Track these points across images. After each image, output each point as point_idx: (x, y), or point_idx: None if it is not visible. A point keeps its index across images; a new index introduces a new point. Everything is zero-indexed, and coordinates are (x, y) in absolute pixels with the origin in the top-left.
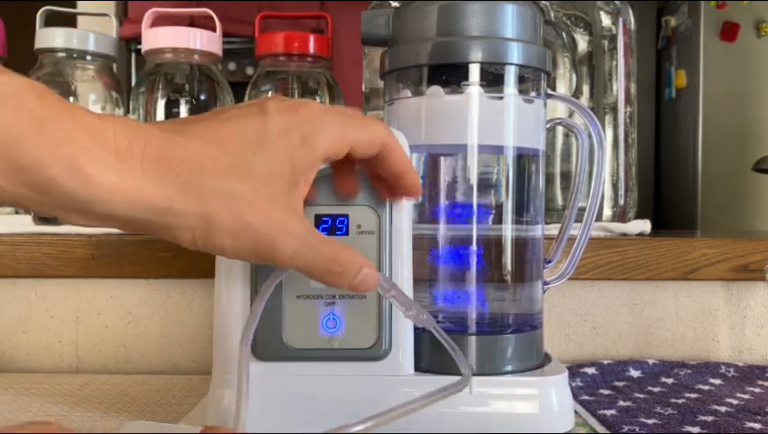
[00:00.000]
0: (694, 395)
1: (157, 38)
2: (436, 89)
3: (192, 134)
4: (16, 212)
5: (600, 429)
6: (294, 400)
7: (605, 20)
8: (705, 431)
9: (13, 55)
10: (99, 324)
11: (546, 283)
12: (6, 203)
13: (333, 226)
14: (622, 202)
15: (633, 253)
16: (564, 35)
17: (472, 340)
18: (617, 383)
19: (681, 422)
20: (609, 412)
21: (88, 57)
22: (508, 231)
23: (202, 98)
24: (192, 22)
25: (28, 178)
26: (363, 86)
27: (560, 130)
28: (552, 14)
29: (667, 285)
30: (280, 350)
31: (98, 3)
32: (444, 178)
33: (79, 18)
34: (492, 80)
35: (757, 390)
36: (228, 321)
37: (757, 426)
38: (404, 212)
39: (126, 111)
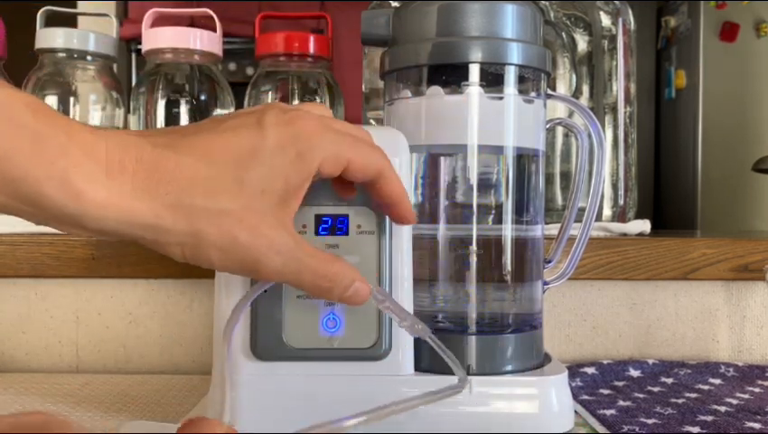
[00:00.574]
0: (694, 395)
1: (157, 38)
2: (436, 89)
3: (184, 149)
4: None
5: (600, 428)
6: (293, 400)
7: (605, 20)
8: (705, 431)
9: (13, 55)
10: (99, 324)
11: (546, 283)
12: None
13: (333, 226)
14: (621, 202)
15: (633, 253)
16: (564, 35)
17: (472, 340)
18: (617, 383)
19: (681, 422)
20: (609, 412)
21: (89, 57)
22: (508, 231)
23: (202, 98)
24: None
25: (19, 191)
26: (363, 86)
27: (560, 130)
28: (552, 14)
29: (667, 285)
30: (280, 350)
31: (99, 3)
32: (444, 178)
33: (80, 18)
34: (492, 80)
35: (757, 389)
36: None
37: (757, 426)
38: None
39: (127, 111)
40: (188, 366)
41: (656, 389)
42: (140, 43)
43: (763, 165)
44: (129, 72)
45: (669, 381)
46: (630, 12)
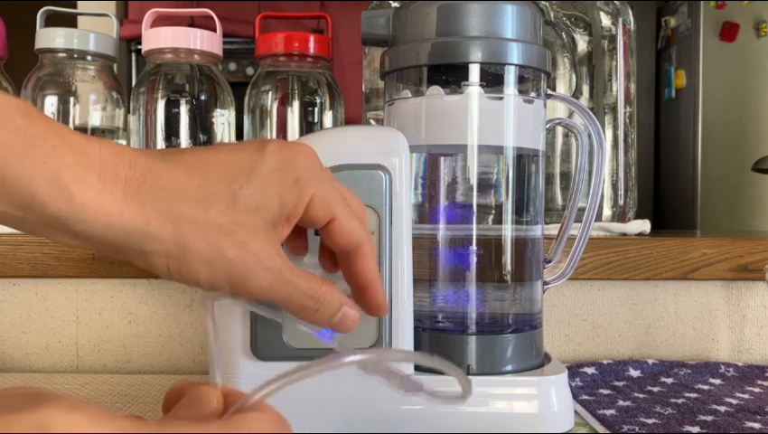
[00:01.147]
0: (694, 395)
1: (158, 38)
2: (436, 89)
3: (179, 162)
4: None
5: (600, 428)
6: (293, 400)
7: (605, 20)
8: (704, 431)
9: (13, 55)
10: (100, 323)
11: (545, 283)
12: None
13: None
14: (621, 202)
15: (633, 253)
16: (564, 35)
17: (472, 340)
18: (617, 383)
19: (681, 422)
20: (609, 412)
21: (89, 57)
22: (508, 231)
23: (202, 98)
24: (193, 22)
25: (11, 194)
26: (363, 86)
27: (560, 130)
28: (552, 14)
29: (666, 285)
30: (280, 350)
31: (99, 3)
32: (444, 178)
33: (80, 18)
34: (492, 80)
35: (757, 389)
36: (227, 321)
37: (757, 425)
38: (404, 211)
39: (127, 111)
40: (188, 366)
41: (656, 389)
42: (140, 43)
43: (762, 165)
44: (129, 72)
45: (669, 381)
46: (630, 12)
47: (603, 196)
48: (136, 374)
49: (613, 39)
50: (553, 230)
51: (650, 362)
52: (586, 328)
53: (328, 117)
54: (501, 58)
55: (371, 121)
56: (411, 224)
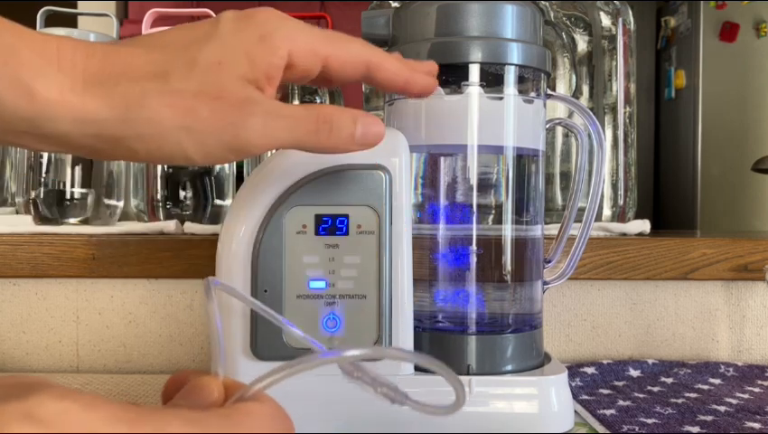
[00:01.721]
0: (693, 395)
1: None
2: (436, 89)
3: (135, 44)
4: (17, 212)
5: (600, 428)
6: (293, 400)
7: (605, 20)
8: (704, 431)
9: None
10: (100, 323)
11: (545, 283)
12: None
13: (333, 226)
14: (621, 202)
15: (633, 253)
16: (564, 35)
17: (472, 340)
18: (617, 383)
19: (681, 422)
20: (609, 412)
21: None
22: (508, 231)
23: None
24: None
25: None
26: (363, 86)
27: (560, 130)
28: (552, 14)
29: (666, 285)
30: (280, 350)
31: (99, 3)
32: (444, 178)
33: (80, 18)
34: (492, 80)
35: (757, 389)
36: (227, 321)
37: (757, 425)
38: (404, 211)
39: None
40: (188, 366)
41: (656, 389)
42: None
43: (762, 165)
44: None
45: (669, 380)
46: (630, 12)
47: (603, 196)
48: (136, 374)
49: (613, 39)
50: (553, 230)
51: (650, 362)
52: (586, 328)
53: None
54: (501, 58)
55: None
56: (411, 224)
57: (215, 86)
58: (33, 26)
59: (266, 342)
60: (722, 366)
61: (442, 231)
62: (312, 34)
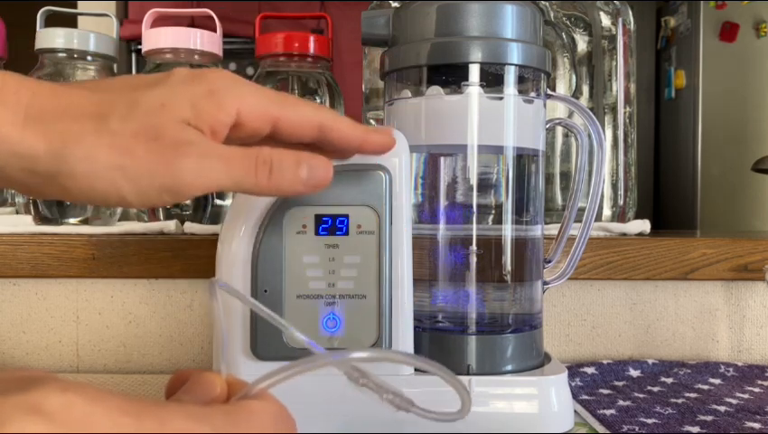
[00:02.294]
0: (693, 395)
1: (158, 38)
2: (436, 89)
3: (81, 86)
4: (17, 212)
5: (600, 428)
6: (293, 400)
7: (605, 20)
8: (704, 431)
9: (13, 55)
10: (100, 323)
11: (545, 283)
12: None
13: (333, 226)
14: (621, 202)
15: (633, 253)
16: (564, 35)
17: (472, 340)
18: (617, 383)
19: (681, 422)
20: (609, 412)
21: (89, 57)
22: (507, 231)
23: None
24: (193, 22)
25: None
26: (363, 86)
27: (560, 130)
28: (552, 15)
29: (666, 285)
30: (280, 350)
31: (99, 3)
32: (444, 178)
33: (80, 18)
34: (492, 80)
35: (756, 389)
36: (228, 321)
37: (757, 425)
38: (404, 211)
39: None
40: (188, 366)
41: (656, 389)
42: (140, 43)
43: (762, 165)
44: (129, 72)
45: (669, 380)
46: (630, 12)
47: (603, 196)
48: (136, 374)
49: (613, 39)
50: (553, 230)
51: (650, 362)
52: (586, 328)
53: None
54: (501, 58)
55: (371, 121)
56: (411, 224)
57: (154, 127)
58: (33, 26)
59: (266, 342)
60: (722, 366)
61: (442, 231)
62: (263, 96)
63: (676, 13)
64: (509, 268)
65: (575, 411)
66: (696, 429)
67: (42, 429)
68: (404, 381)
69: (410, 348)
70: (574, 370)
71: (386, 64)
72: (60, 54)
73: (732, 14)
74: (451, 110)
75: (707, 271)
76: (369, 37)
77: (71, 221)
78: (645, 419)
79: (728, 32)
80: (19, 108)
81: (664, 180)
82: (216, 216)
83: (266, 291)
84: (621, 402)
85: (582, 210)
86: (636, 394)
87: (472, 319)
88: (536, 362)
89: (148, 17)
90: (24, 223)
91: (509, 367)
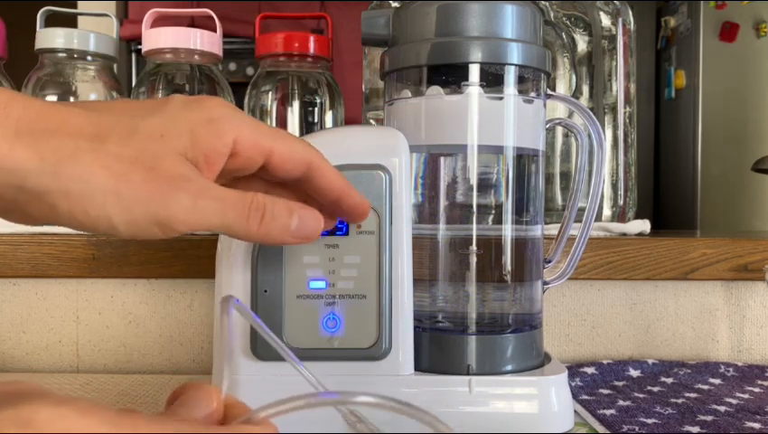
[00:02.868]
0: (693, 395)
1: (158, 38)
2: (436, 89)
3: (76, 105)
4: None
5: (600, 428)
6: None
7: (605, 20)
8: (704, 431)
9: (13, 55)
10: (100, 323)
11: (545, 283)
12: None
13: (333, 226)
14: (621, 202)
15: (633, 253)
16: (564, 35)
17: (472, 340)
18: (617, 383)
19: (681, 422)
20: (609, 412)
21: (89, 57)
22: (507, 231)
23: None
24: (193, 22)
25: None
26: (363, 86)
27: (560, 130)
28: (552, 15)
29: (666, 285)
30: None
31: (99, 3)
32: (444, 178)
33: (80, 18)
34: (492, 80)
35: (756, 389)
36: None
37: (757, 425)
38: (404, 211)
39: None
40: (188, 366)
41: (656, 389)
42: (140, 43)
43: (762, 165)
44: (129, 72)
45: (669, 380)
46: (630, 12)
47: (603, 196)
48: (136, 374)
49: (612, 39)
50: (553, 230)
51: (650, 362)
52: (586, 328)
53: (328, 118)
54: (501, 58)
55: (371, 121)
56: (411, 224)
57: (152, 156)
58: (33, 26)
59: (265, 342)
60: (722, 366)
61: (442, 231)
62: (258, 128)
63: (676, 13)
64: (509, 268)
65: (575, 411)
66: (696, 429)
67: None
68: (404, 381)
69: (410, 347)
70: (574, 370)
71: (386, 64)
72: (60, 54)
73: (732, 14)
74: (451, 110)
75: (707, 271)
76: (369, 37)
77: None
78: (645, 419)
79: (728, 32)
80: (9, 123)
81: (664, 180)
82: None
83: (266, 291)
84: (621, 402)
85: (582, 210)
86: (636, 394)
87: (472, 319)
88: (536, 362)
89: (148, 17)
90: None
91: (509, 367)
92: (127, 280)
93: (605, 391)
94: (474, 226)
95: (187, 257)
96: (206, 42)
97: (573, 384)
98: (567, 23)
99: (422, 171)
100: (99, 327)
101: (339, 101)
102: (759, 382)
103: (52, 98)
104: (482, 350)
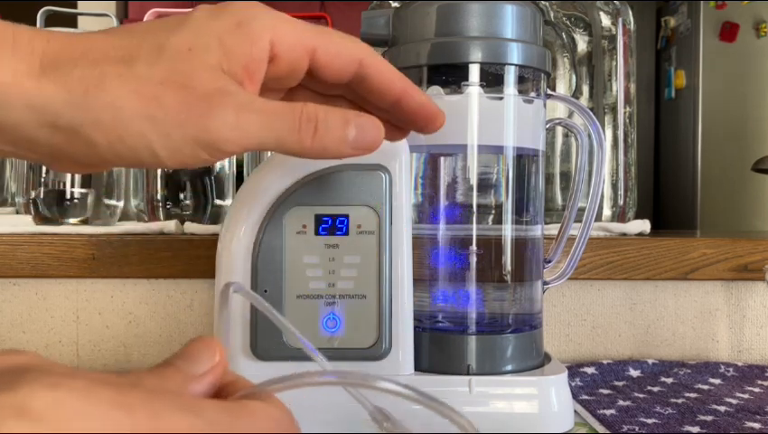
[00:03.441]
0: (693, 395)
1: None
2: (436, 89)
3: (101, 31)
4: (17, 212)
5: (600, 428)
6: (293, 401)
7: (605, 20)
8: (704, 431)
9: None
10: (100, 323)
11: (545, 283)
12: None
13: (333, 226)
14: (621, 202)
15: (633, 253)
16: (564, 35)
17: (472, 340)
18: (617, 383)
19: (681, 422)
20: (609, 412)
21: None
22: (507, 231)
23: None
24: None
25: None
26: None
27: (560, 130)
28: (552, 15)
29: (666, 285)
30: (280, 350)
31: (99, 3)
32: (444, 178)
33: (80, 18)
34: (492, 80)
35: (756, 389)
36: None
37: (757, 425)
38: (404, 211)
39: None
40: None
41: (656, 389)
42: None
43: (762, 165)
44: None
45: (669, 380)
46: (630, 12)
47: (603, 196)
48: None
49: (612, 39)
50: (553, 230)
51: (650, 362)
52: (586, 328)
53: None
54: (501, 58)
55: None
56: (411, 224)
57: (183, 74)
58: (33, 26)
59: (266, 342)
60: (722, 366)
61: (442, 231)
62: (297, 25)
63: (676, 13)
64: (509, 268)
65: (575, 411)
66: (696, 429)
67: (29, 429)
68: (404, 380)
69: (410, 347)
70: (574, 370)
71: None
72: None
73: (732, 14)
74: (451, 110)
75: (707, 271)
76: (369, 37)
77: (71, 221)
78: (645, 419)
79: (728, 32)
80: (34, 58)
81: (664, 180)
82: (216, 216)
83: (266, 291)
84: (621, 402)
85: (582, 210)
86: (636, 394)
87: (473, 319)
88: (536, 362)
89: (148, 17)
90: (24, 223)
91: (509, 367)
92: (127, 280)
93: (605, 391)
94: (474, 226)
95: (187, 257)
96: None
97: (573, 384)
98: (567, 23)
99: (422, 171)
100: (99, 327)
101: None
102: (759, 382)
103: None
104: (482, 350)
